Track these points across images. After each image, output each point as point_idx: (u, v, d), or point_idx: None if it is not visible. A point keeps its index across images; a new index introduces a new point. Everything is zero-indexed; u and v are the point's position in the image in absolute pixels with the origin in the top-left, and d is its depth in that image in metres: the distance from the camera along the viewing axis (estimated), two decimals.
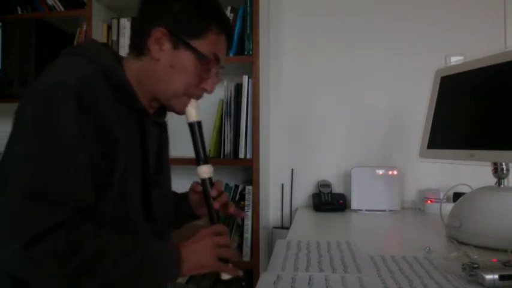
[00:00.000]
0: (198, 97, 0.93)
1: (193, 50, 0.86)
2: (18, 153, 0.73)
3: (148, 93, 0.90)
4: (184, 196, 1.07)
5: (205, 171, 0.94)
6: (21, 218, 0.69)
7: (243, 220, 1.68)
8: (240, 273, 0.89)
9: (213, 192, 0.93)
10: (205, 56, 0.87)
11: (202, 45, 0.87)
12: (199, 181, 0.96)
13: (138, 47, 0.88)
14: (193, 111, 0.93)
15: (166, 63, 0.87)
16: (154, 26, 0.85)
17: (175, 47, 0.86)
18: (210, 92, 0.93)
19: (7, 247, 0.69)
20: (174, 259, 0.81)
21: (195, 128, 0.93)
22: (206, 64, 0.88)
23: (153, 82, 0.88)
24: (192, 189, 1.05)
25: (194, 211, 1.06)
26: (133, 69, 0.88)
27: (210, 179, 0.94)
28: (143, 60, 0.88)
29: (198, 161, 0.94)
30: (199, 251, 0.84)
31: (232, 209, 0.99)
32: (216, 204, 0.93)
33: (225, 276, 0.88)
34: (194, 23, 0.87)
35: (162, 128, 1.00)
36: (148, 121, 0.90)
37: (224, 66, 0.93)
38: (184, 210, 1.06)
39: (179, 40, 0.86)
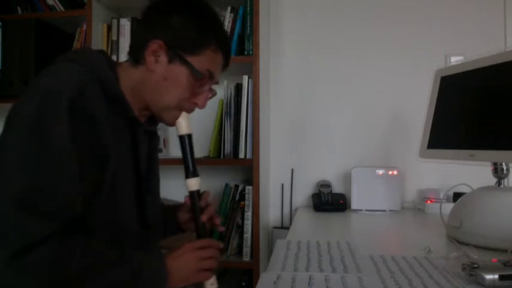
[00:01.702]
0: (189, 111, 0.92)
1: (188, 66, 0.86)
2: (11, 160, 0.72)
3: (141, 101, 0.90)
4: (171, 210, 1.07)
5: (193, 184, 0.94)
6: (12, 227, 0.69)
7: (243, 220, 1.68)
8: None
9: (202, 203, 0.94)
10: (199, 72, 0.87)
11: (198, 61, 0.86)
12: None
13: (136, 55, 0.88)
14: (184, 123, 0.92)
15: (161, 75, 0.86)
16: (152, 37, 0.85)
17: (170, 60, 0.86)
18: (201, 107, 0.92)
19: None
20: (161, 271, 0.82)
21: (185, 141, 0.93)
22: (200, 80, 0.88)
23: (146, 92, 0.88)
24: (185, 205, 1.04)
25: (180, 226, 1.07)
26: (128, 77, 0.88)
27: (198, 191, 0.94)
28: (139, 69, 0.88)
29: (187, 173, 0.93)
30: (182, 265, 0.84)
31: (217, 220, 0.99)
32: (204, 217, 0.93)
33: (210, 287, 0.89)
34: (192, 39, 0.86)
35: (152, 136, 1.00)
36: (140, 130, 0.90)
37: (218, 82, 0.93)
38: (171, 224, 1.06)
39: (175, 54, 0.86)
